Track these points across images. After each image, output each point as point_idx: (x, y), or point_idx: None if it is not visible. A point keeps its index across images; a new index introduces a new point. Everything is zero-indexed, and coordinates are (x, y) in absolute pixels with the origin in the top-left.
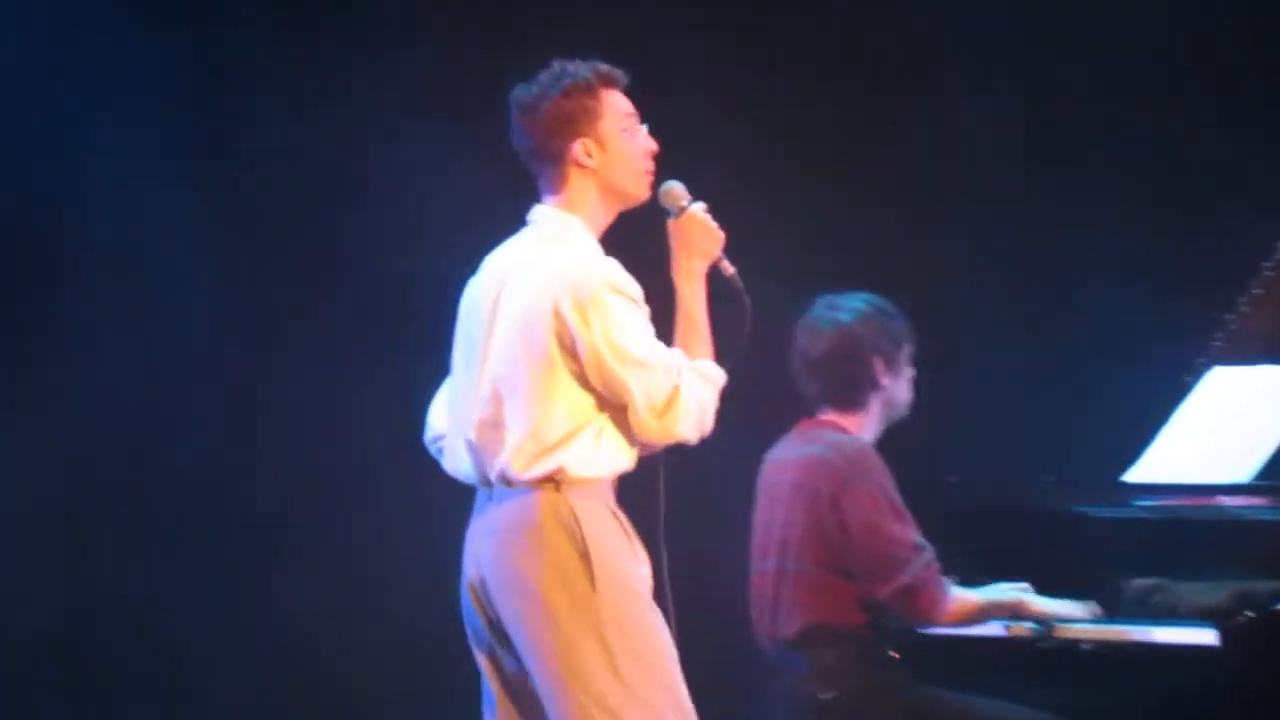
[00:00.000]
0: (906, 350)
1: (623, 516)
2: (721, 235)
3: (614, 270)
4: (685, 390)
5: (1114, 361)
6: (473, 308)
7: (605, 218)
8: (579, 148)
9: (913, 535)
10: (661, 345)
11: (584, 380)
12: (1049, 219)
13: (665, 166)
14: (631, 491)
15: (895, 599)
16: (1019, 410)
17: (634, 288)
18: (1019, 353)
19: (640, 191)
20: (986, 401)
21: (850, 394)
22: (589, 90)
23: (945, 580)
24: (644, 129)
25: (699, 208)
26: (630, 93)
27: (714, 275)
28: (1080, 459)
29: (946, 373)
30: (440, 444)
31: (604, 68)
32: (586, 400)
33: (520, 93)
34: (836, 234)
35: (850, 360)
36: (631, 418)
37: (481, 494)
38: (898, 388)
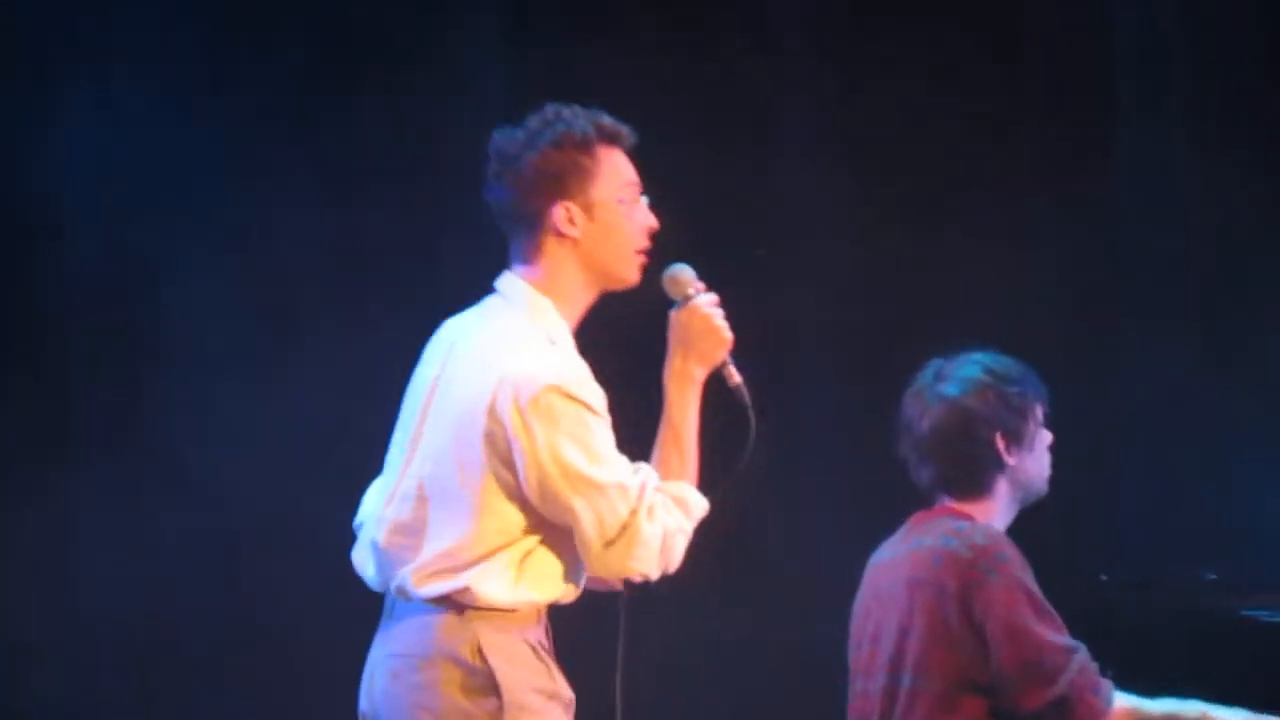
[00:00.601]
0: (1036, 416)
1: (545, 652)
2: (729, 337)
3: (570, 370)
4: (646, 518)
5: None
6: (416, 384)
7: (583, 299)
8: (561, 212)
9: (1061, 636)
10: (623, 462)
11: (518, 494)
12: (1218, 279)
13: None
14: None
15: (1045, 715)
16: (1178, 495)
17: (590, 392)
18: (1180, 427)
19: (627, 275)
20: (1140, 484)
21: (971, 479)
22: (584, 145)
23: (1106, 685)
24: (644, 201)
25: (706, 300)
26: (638, 158)
27: (719, 383)
28: (1250, 554)
29: (1092, 448)
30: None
31: (608, 122)
32: (516, 518)
33: (503, 137)
34: (943, 284)
35: (966, 440)
36: (578, 545)
37: (387, 602)
38: (1029, 463)
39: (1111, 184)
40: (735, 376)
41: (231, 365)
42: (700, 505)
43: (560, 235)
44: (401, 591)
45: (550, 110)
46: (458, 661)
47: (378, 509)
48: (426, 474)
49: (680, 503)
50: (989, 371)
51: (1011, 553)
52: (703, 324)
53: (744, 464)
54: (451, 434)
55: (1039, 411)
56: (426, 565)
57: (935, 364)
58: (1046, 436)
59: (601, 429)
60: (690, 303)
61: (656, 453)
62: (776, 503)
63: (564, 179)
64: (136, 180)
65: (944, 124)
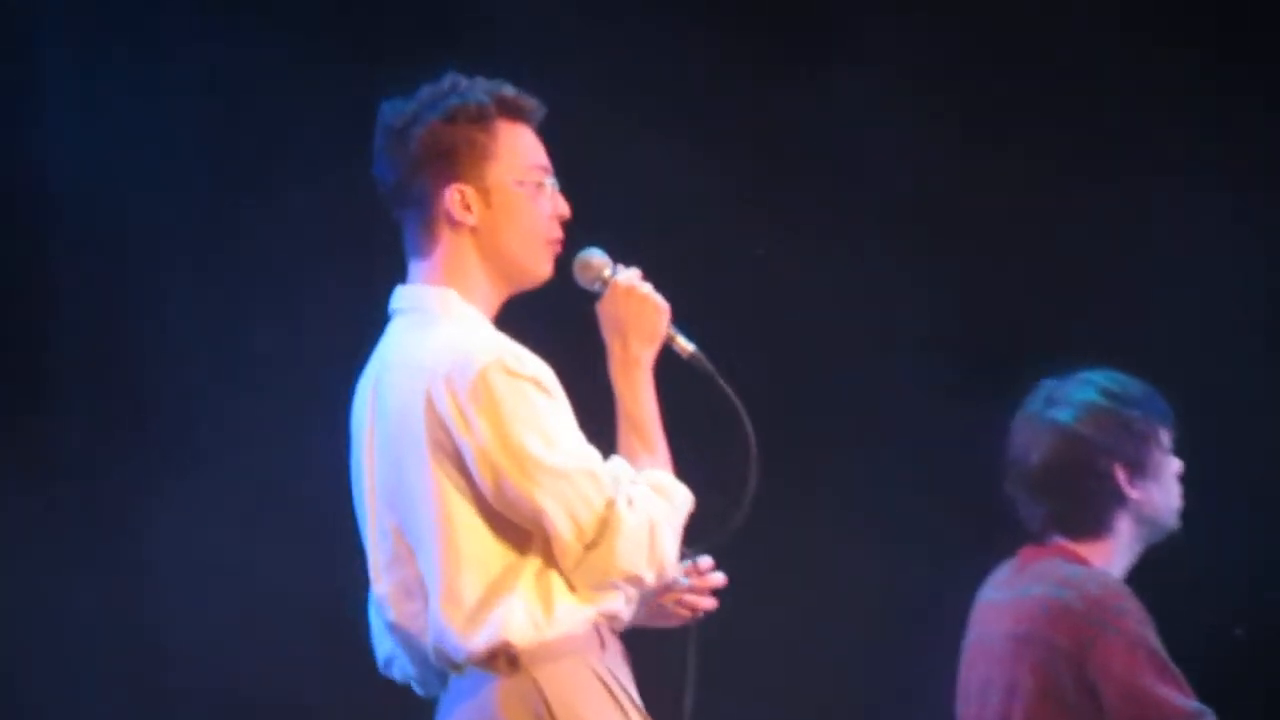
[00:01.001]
0: (1161, 442)
1: (615, 682)
2: (663, 305)
3: (505, 346)
4: (626, 507)
5: None
6: (354, 441)
7: (490, 296)
8: (453, 196)
9: (1187, 700)
10: (588, 448)
11: (489, 509)
12: None
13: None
14: None
15: None
16: None
17: (536, 367)
18: None
19: (536, 268)
20: None
21: (1087, 516)
22: (480, 120)
23: None
24: (551, 184)
25: (628, 276)
26: (549, 135)
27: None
28: None
29: (1221, 479)
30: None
31: (511, 93)
32: (505, 534)
33: (390, 110)
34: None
35: (1081, 472)
36: (555, 553)
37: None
38: (1155, 495)
39: None
40: (686, 346)
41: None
42: (684, 494)
43: (455, 223)
44: (445, 660)
45: (447, 80)
46: None
47: (373, 594)
48: (396, 523)
49: (660, 490)
50: (1106, 393)
51: (1130, 605)
52: (629, 300)
53: (750, 450)
54: (400, 464)
55: (1165, 436)
56: (447, 624)
57: (1046, 386)
58: (1175, 464)
59: (557, 409)
60: (610, 284)
61: (620, 450)
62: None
63: (456, 158)
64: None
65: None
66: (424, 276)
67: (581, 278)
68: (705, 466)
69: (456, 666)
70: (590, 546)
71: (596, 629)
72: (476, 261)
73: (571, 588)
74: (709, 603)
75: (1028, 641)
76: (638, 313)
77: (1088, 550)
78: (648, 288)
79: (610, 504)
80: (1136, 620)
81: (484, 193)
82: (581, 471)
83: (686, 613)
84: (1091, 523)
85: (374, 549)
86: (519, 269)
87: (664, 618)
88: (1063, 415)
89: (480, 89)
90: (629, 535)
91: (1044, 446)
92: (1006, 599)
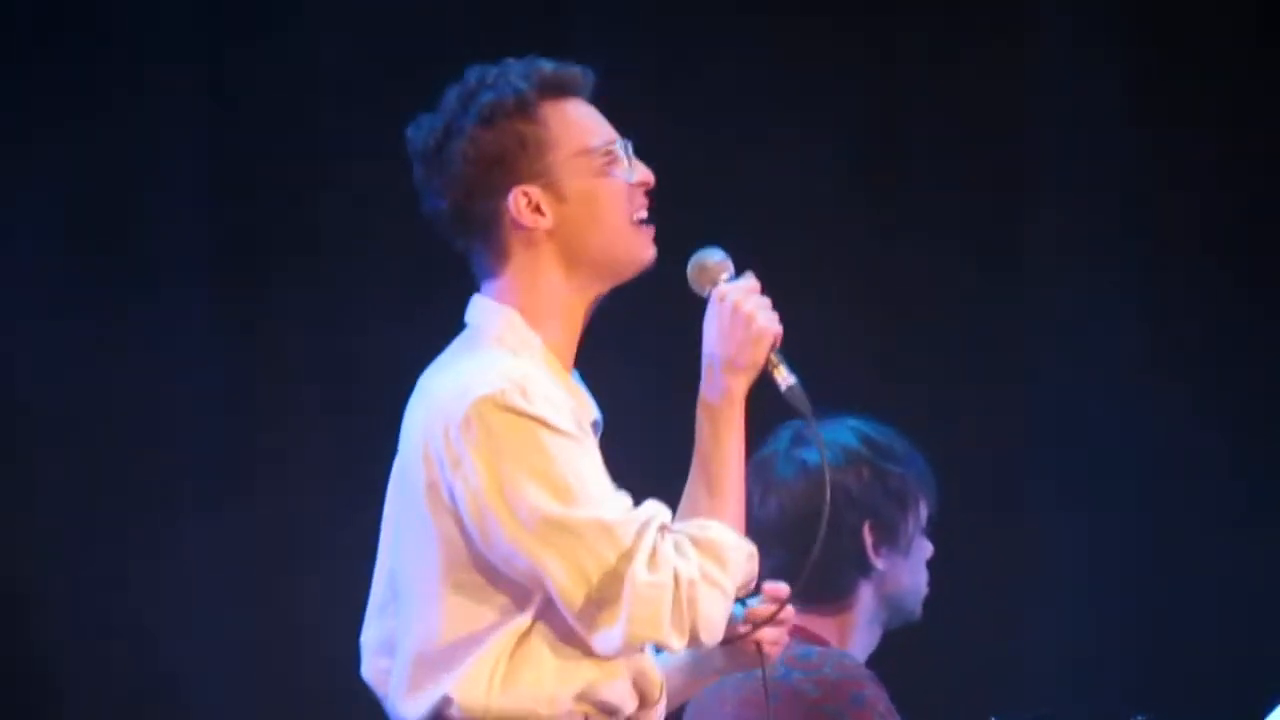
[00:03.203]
0: (920, 514)
1: None
2: (769, 328)
3: (516, 376)
4: (645, 565)
5: None
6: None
7: (572, 305)
8: (518, 201)
9: None
10: (608, 494)
11: (483, 561)
12: None
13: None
14: None
15: None
16: (1100, 619)
17: (545, 404)
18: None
19: (635, 253)
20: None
21: (826, 578)
22: (523, 109)
23: None
24: (624, 149)
25: (737, 286)
26: (606, 99)
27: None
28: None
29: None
30: None
31: (548, 68)
32: (489, 593)
33: (418, 134)
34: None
35: (828, 528)
36: (569, 618)
37: None
38: (902, 573)
39: None
40: (786, 378)
41: None
42: (738, 548)
43: (526, 230)
44: None
45: (472, 76)
46: None
47: (363, 641)
48: (389, 569)
49: (703, 545)
50: (866, 441)
51: (872, 691)
52: (731, 316)
53: (824, 505)
54: (400, 506)
55: (924, 509)
56: (403, 680)
57: (791, 426)
58: (927, 547)
59: (567, 449)
60: (715, 291)
61: (684, 496)
62: None
63: (508, 160)
64: None
65: None
66: (495, 293)
67: (696, 282)
68: None
69: None
70: (600, 609)
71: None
72: (554, 267)
73: (559, 665)
74: (778, 635)
75: None
76: (734, 329)
77: (822, 626)
78: (755, 303)
79: (625, 558)
80: (879, 709)
81: (552, 187)
82: (591, 524)
83: (756, 648)
84: (829, 589)
85: (373, 590)
86: (614, 259)
87: (738, 659)
88: (812, 456)
89: (513, 75)
90: (645, 599)
91: (786, 491)
92: (729, 681)
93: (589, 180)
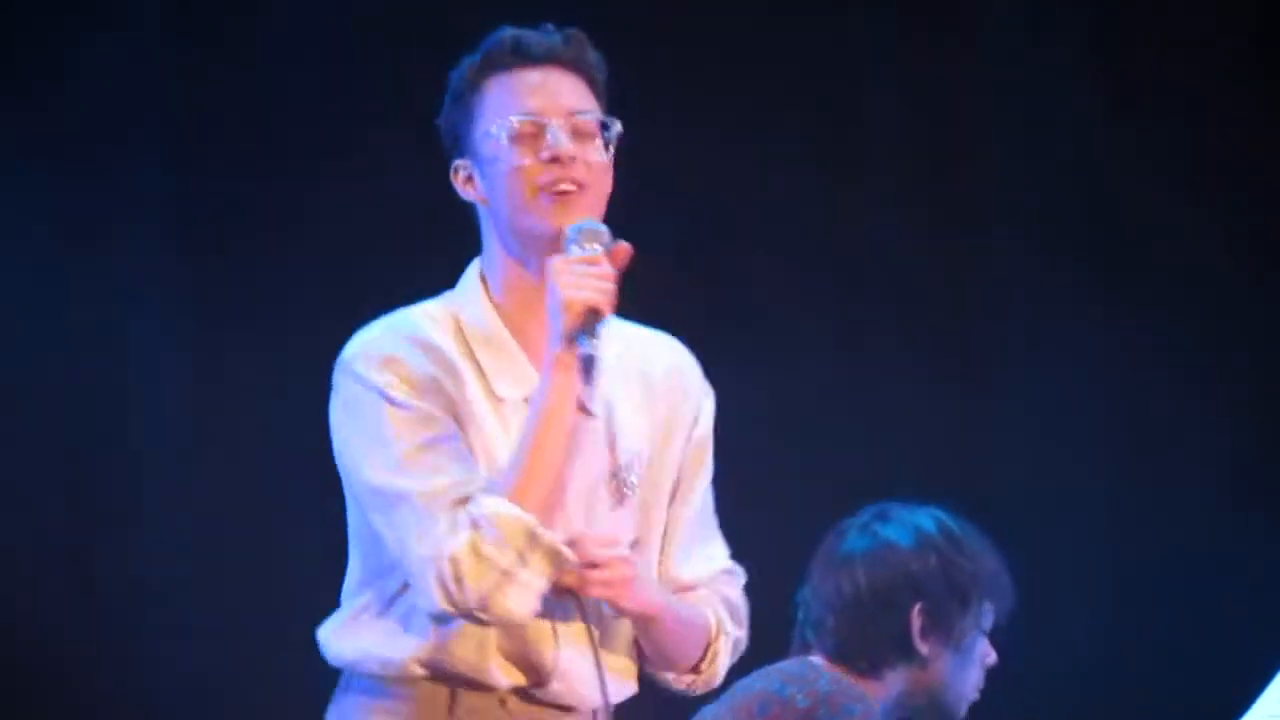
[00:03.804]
0: (981, 615)
1: None
2: (577, 298)
3: (369, 339)
4: (419, 540)
5: None
6: None
7: (521, 273)
8: (454, 175)
9: None
10: (430, 463)
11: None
12: None
13: None
14: None
15: None
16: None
17: (388, 375)
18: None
19: (533, 223)
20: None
21: (863, 647)
22: (475, 84)
23: None
24: (532, 121)
25: (563, 256)
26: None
27: None
28: None
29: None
30: None
31: (508, 39)
32: (370, 545)
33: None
34: None
35: (878, 597)
36: None
37: None
38: (949, 667)
39: None
40: (583, 347)
41: None
42: (514, 522)
43: (474, 202)
44: None
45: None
46: None
47: None
48: None
49: (480, 520)
50: (944, 531)
51: (865, 709)
52: (549, 284)
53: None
54: None
55: (987, 612)
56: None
57: (877, 505)
58: (988, 651)
59: (397, 420)
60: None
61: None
62: None
63: (458, 134)
64: None
65: None
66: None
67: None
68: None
69: None
70: (411, 578)
71: (417, 681)
72: (497, 240)
73: (409, 628)
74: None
75: None
76: (550, 301)
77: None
78: (573, 272)
79: (418, 531)
80: None
81: (478, 161)
82: (398, 494)
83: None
84: (863, 658)
85: None
86: (522, 230)
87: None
88: (888, 533)
89: (484, 48)
90: (416, 573)
91: (857, 559)
92: (724, 709)
93: (495, 152)
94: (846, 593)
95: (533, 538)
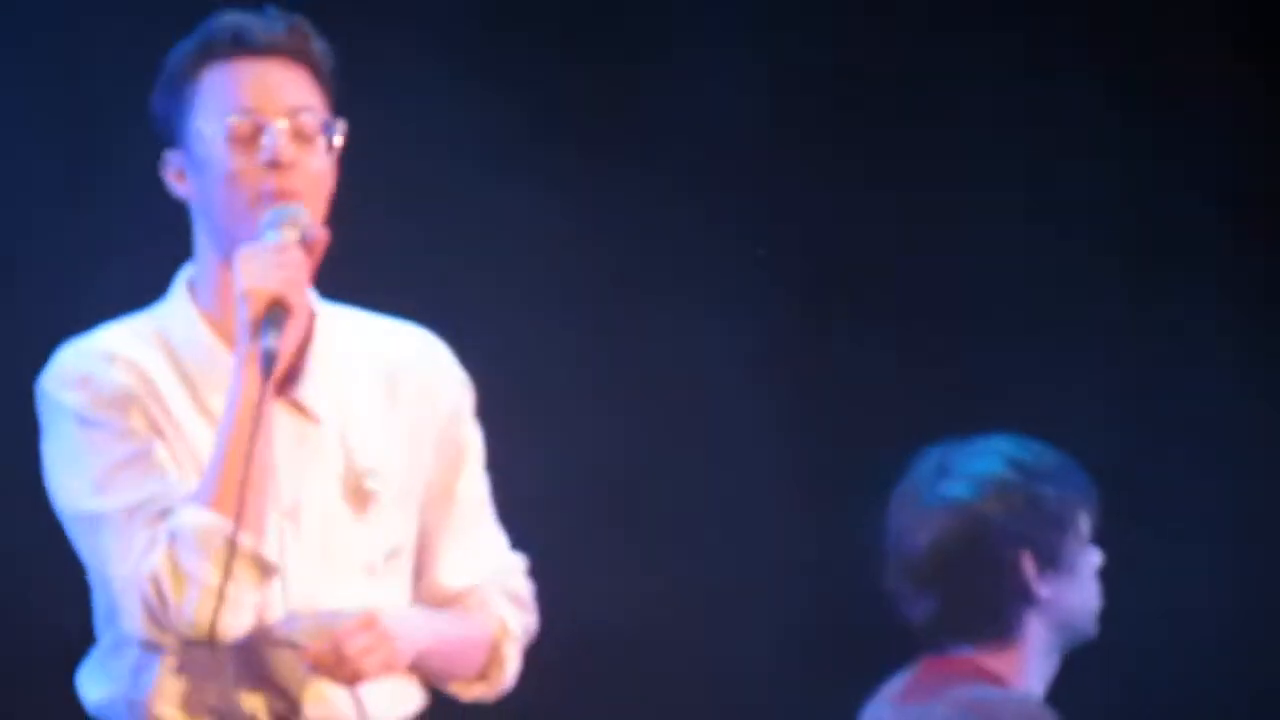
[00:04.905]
0: (1080, 529)
1: None
2: (257, 288)
3: (64, 360)
4: (122, 560)
5: None
6: None
7: (226, 274)
8: (162, 166)
9: None
10: (127, 481)
11: None
12: None
13: None
14: None
15: None
16: None
17: (78, 396)
18: None
19: (249, 234)
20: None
21: (987, 617)
22: (190, 71)
23: None
24: (249, 122)
25: (252, 244)
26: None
27: None
28: None
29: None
30: None
31: (228, 25)
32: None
33: None
34: None
35: (979, 562)
36: None
37: None
38: (1069, 594)
39: None
40: (264, 340)
41: None
42: (210, 533)
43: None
44: None
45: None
46: None
47: None
48: None
49: (176, 535)
50: (1014, 464)
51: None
52: (237, 270)
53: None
54: None
55: (1084, 521)
56: None
57: (935, 454)
58: (1094, 556)
59: (90, 440)
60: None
61: None
62: None
63: (169, 122)
64: None
65: None
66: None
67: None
68: None
69: None
70: (114, 603)
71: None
72: (205, 237)
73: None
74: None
75: None
76: (235, 290)
77: (997, 662)
78: (257, 262)
79: (115, 553)
80: None
81: (190, 156)
82: (94, 518)
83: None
84: (993, 626)
85: None
86: (237, 238)
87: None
88: (959, 489)
89: (204, 31)
90: (120, 593)
91: (933, 528)
92: None
93: (209, 153)
94: (945, 569)
95: (232, 546)
